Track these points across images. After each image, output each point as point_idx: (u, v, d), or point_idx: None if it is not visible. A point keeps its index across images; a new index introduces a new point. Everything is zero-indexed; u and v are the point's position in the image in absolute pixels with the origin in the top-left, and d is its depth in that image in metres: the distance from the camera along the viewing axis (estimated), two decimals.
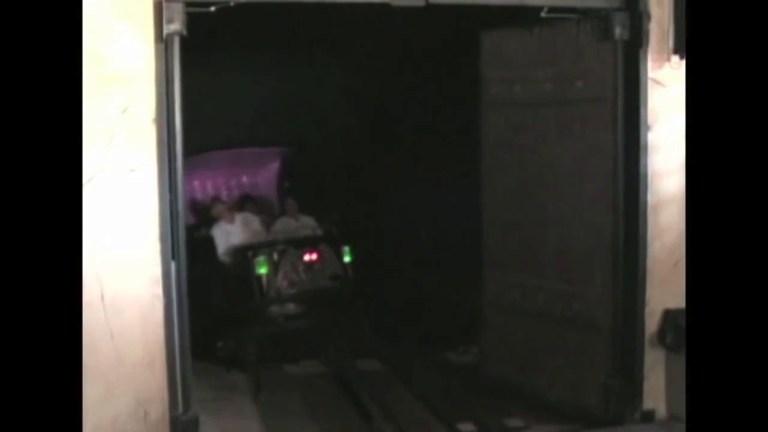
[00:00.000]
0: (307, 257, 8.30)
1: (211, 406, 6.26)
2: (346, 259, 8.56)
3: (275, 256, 8.22)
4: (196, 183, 9.84)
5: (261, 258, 8.14)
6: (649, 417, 6.02)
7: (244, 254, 8.30)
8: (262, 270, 8.10)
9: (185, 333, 5.28)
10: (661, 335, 5.95)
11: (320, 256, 8.37)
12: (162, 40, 5.08)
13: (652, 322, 5.97)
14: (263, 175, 10.42)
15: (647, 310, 5.94)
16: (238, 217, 9.02)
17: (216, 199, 9.63)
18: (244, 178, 10.35)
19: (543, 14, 5.78)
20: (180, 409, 5.30)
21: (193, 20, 5.16)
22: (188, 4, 5.10)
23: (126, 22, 5.04)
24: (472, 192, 6.97)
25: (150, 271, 5.20)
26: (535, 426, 6.13)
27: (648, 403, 6.02)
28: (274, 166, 10.43)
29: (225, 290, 8.44)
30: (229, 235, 8.74)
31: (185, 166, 8.90)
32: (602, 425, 5.99)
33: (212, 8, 5.16)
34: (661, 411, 6.05)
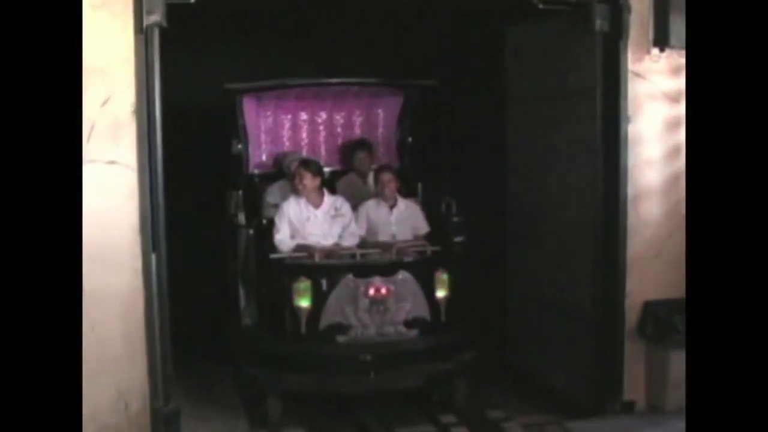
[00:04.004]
0: (372, 291, 5.86)
1: (193, 399, 6.25)
2: (440, 293, 6.02)
3: (324, 285, 5.90)
4: (284, 116, 7.34)
5: (302, 285, 5.88)
6: (629, 408, 6.05)
7: (280, 275, 6.06)
8: (303, 302, 5.86)
9: (166, 325, 5.28)
10: (641, 327, 5.99)
11: (391, 290, 5.87)
12: (142, 31, 5.06)
13: (632, 314, 6.00)
14: (376, 118, 7.54)
15: (627, 302, 5.97)
16: (329, 201, 6.33)
17: (306, 164, 6.36)
18: (354, 118, 7.47)
19: (541, 6, 5.76)
20: (161, 401, 5.30)
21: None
22: None
23: (105, 13, 5.02)
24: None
25: (130, 264, 5.19)
26: (517, 417, 6.14)
27: (628, 394, 6.05)
28: (393, 108, 7.42)
29: (260, 313, 6.34)
30: (301, 225, 6.23)
31: (266, 96, 7.17)
32: (583, 416, 6.01)
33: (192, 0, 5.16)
34: (641, 402, 6.08)
